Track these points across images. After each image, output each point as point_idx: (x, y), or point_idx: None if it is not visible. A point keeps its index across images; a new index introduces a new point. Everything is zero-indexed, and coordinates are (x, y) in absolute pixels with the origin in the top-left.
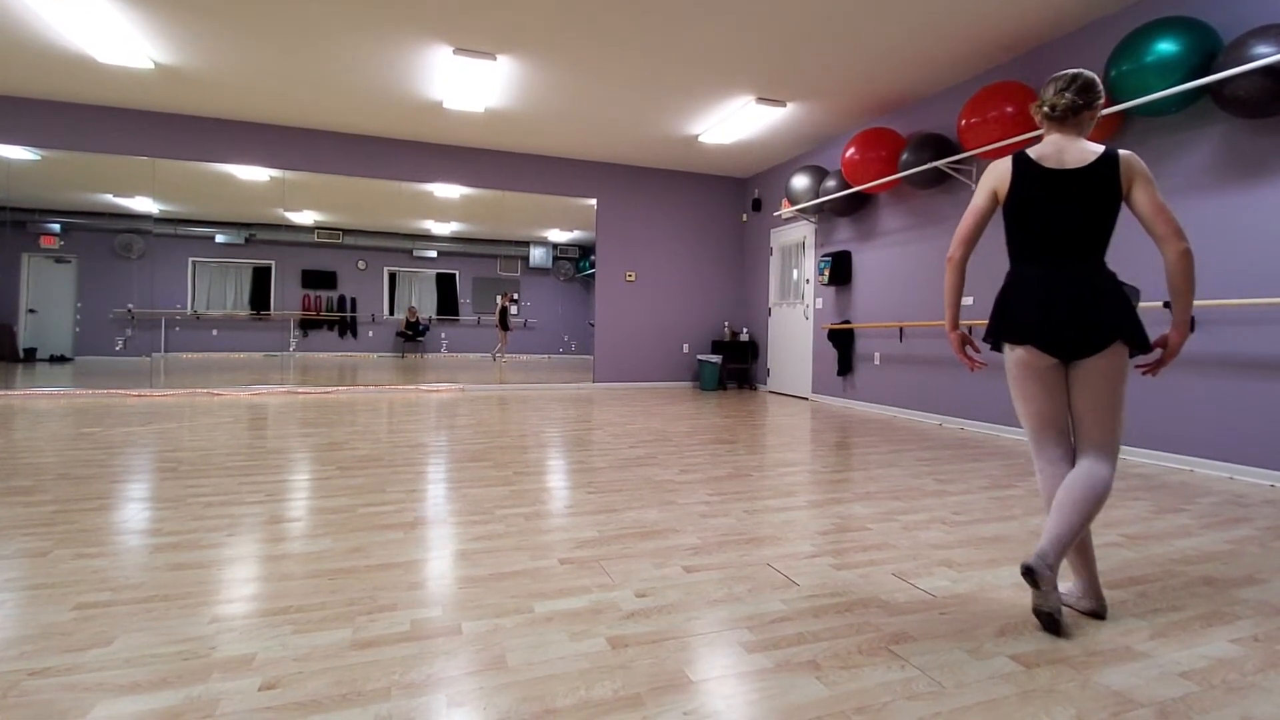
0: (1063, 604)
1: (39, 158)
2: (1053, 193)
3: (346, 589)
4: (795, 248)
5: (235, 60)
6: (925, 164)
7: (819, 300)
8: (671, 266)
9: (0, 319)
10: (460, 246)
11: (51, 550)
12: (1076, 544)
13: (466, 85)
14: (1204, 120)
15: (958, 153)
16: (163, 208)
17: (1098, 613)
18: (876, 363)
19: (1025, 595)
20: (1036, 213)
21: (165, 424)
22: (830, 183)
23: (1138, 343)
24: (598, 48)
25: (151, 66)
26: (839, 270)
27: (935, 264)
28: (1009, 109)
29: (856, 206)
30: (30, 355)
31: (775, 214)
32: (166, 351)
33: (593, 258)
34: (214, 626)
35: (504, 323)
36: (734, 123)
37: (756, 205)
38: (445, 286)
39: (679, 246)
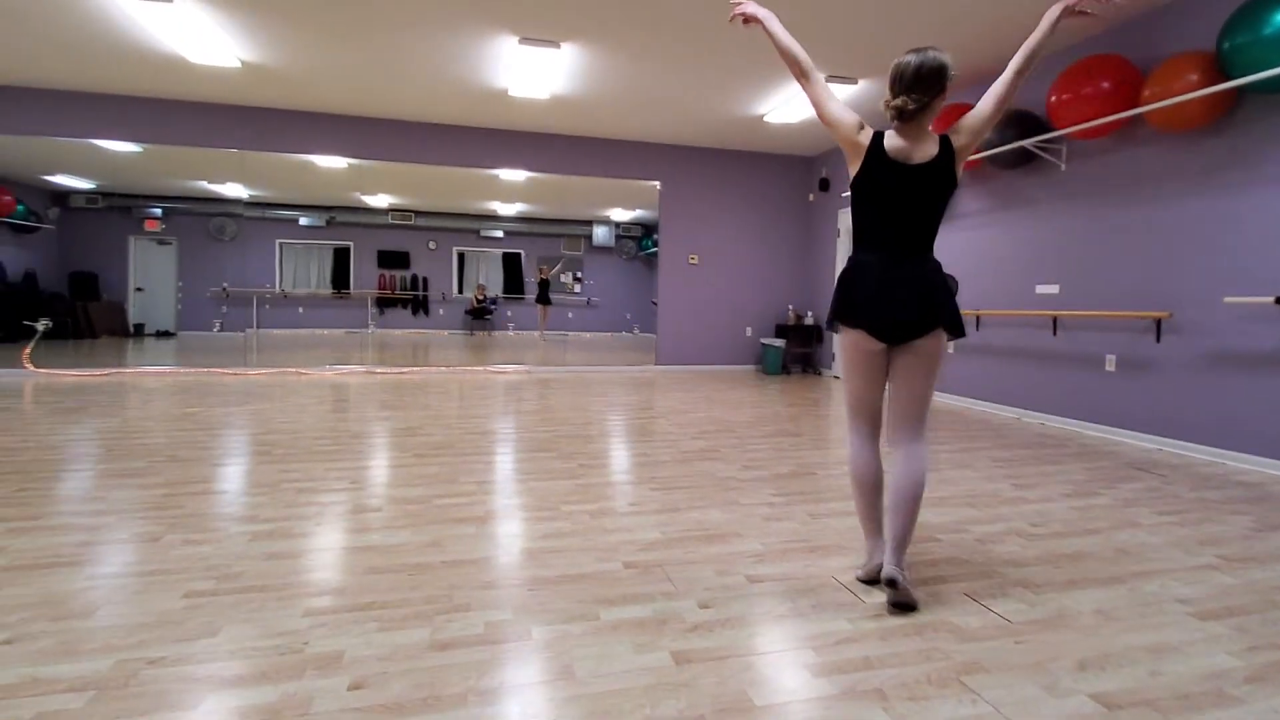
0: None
1: (141, 150)
2: (902, 186)
3: (425, 586)
4: None
5: (315, 57)
6: (1010, 143)
7: None
8: (735, 248)
9: (113, 297)
10: (525, 226)
11: (163, 535)
12: (873, 512)
13: (531, 73)
14: None
15: (1046, 131)
16: (252, 193)
17: (879, 578)
18: (950, 351)
19: (1109, 625)
20: (884, 203)
21: (259, 404)
22: None
23: (954, 330)
24: (661, 33)
25: (239, 65)
26: None
27: (1019, 248)
28: (1106, 84)
29: None
30: (139, 330)
31: (843, 194)
32: (258, 328)
33: (655, 236)
34: (307, 620)
35: (545, 297)
36: (801, 101)
37: (824, 185)
38: (511, 266)
39: (743, 227)
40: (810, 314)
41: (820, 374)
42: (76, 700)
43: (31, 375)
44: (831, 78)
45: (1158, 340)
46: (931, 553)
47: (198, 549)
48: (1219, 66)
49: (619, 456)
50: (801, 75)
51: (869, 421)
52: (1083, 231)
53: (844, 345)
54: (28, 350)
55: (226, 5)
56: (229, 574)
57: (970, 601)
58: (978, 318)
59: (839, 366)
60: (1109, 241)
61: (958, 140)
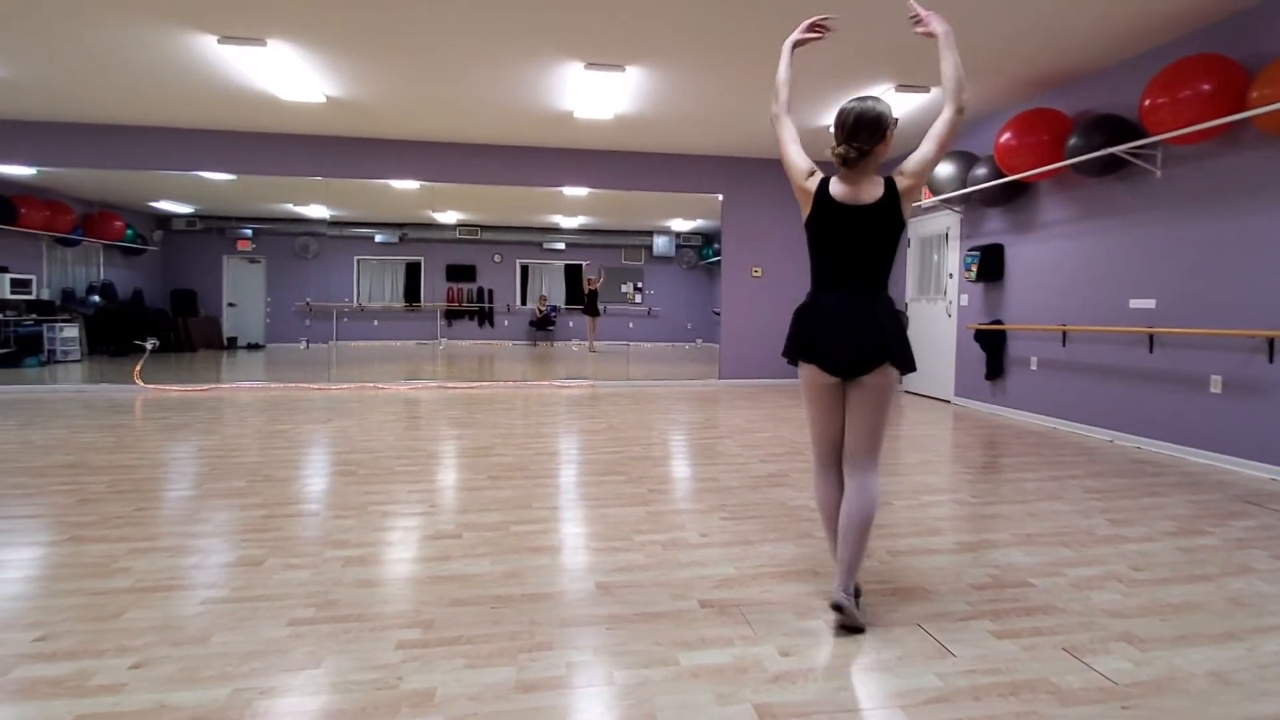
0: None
1: (235, 177)
2: (849, 227)
3: (507, 620)
4: (937, 239)
5: (393, 90)
6: (1098, 150)
7: (964, 297)
8: (799, 259)
9: (209, 312)
10: (587, 238)
11: (266, 559)
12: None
13: (596, 96)
14: None
15: (1139, 137)
16: (333, 213)
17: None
18: (1033, 368)
19: (1226, 690)
20: (834, 244)
21: (341, 421)
22: (980, 170)
23: (903, 365)
24: (723, 51)
25: (324, 100)
26: (989, 265)
27: (1109, 260)
28: (1206, 87)
29: (1011, 196)
30: (232, 343)
31: (915, 203)
32: (338, 340)
33: (716, 244)
34: (399, 654)
35: (592, 308)
36: None
37: None
38: (573, 277)
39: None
40: None
41: None
42: None
43: (141, 390)
44: (902, 87)
45: (1270, 360)
46: (1025, 599)
47: (297, 574)
48: None
49: (687, 481)
50: (783, 109)
51: (830, 453)
52: (1181, 242)
53: (801, 379)
54: (138, 368)
55: (314, 47)
56: (326, 601)
57: (1069, 658)
58: (1064, 333)
59: (801, 401)
60: (1212, 253)
61: (902, 182)
